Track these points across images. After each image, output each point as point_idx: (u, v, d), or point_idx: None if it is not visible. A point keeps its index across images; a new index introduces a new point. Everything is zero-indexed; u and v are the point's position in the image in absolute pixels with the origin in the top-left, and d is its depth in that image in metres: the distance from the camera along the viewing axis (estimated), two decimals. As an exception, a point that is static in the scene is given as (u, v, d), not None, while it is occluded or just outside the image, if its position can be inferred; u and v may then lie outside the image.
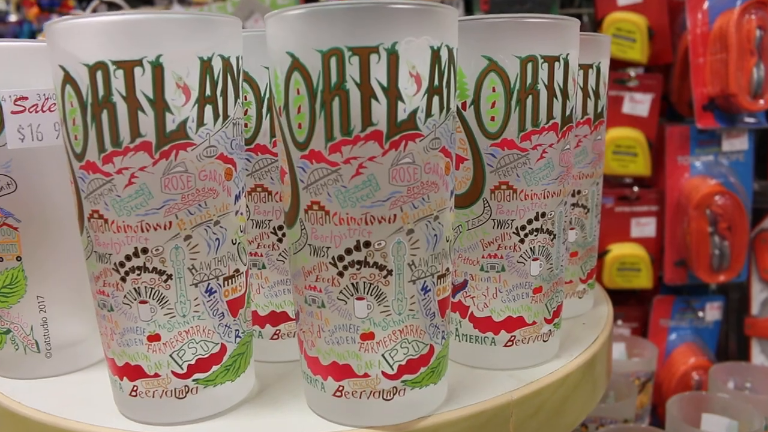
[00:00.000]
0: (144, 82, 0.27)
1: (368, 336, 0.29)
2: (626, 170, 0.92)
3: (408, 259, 0.28)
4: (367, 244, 0.28)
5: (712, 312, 0.95)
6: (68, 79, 0.27)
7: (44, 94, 0.34)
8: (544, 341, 0.36)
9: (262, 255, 0.36)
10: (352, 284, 0.28)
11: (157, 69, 0.27)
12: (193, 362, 0.30)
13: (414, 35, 0.27)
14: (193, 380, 0.31)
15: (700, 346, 0.95)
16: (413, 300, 0.29)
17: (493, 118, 0.33)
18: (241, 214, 0.32)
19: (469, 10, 1.05)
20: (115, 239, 0.29)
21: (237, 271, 0.31)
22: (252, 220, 0.36)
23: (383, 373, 0.29)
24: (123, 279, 0.29)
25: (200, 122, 0.28)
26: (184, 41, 0.27)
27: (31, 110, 0.34)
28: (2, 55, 0.33)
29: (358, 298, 0.29)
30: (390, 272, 0.28)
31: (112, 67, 0.27)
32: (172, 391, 0.30)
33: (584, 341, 0.40)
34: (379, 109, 0.27)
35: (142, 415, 0.31)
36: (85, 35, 0.27)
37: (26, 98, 0.33)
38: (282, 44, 0.27)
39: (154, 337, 0.30)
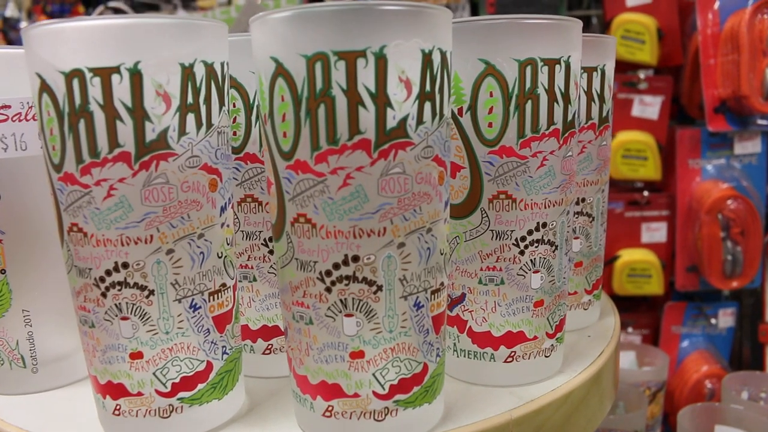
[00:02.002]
0: (122, 90, 0.26)
1: (358, 354, 0.28)
2: (636, 174, 0.90)
3: (399, 273, 0.27)
4: (356, 259, 0.27)
5: (725, 318, 0.93)
6: (45, 87, 0.26)
7: (28, 103, 0.33)
8: (546, 356, 0.35)
9: (252, 267, 0.35)
10: (341, 300, 0.27)
11: (136, 76, 0.26)
12: (177, 380, 0.29)
13: (403, 38, 0.25)
14: (178, 399, 0.29)
15: (713, 353, 0.93)
16: (405, 317, 0.28)
17: (490, 125, 0.31)
18: (228, 226, 0.30)
19: (475, 13, 1.04)
20: (94, 253, 0.27)
21: (223, 285, 0.30)
22: (242, 231, 0.35)
23: (374, 393, 0.28)
24: (104, 294, 0.28)
25: (182, 131, 0.27)
26: (164, 47, 0.26)
27: (14, 119, 0.33)
28: (-17, 63, 0.32)
29: (346, 315, 0.27)
30: (380, 288, 0.27)
31: (88, 75, 0.25)
32: (155, 410, 0.29)
33: (589, 355, 0.38)
34: (367, 117, 0.25)
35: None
36: (60, 41, 0.26)
37: (9, 107, 0.32)
38: (266, 49, 0.26)
39: (137, 355, 0.28)
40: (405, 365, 0.28)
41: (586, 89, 0.39)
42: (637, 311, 0.99)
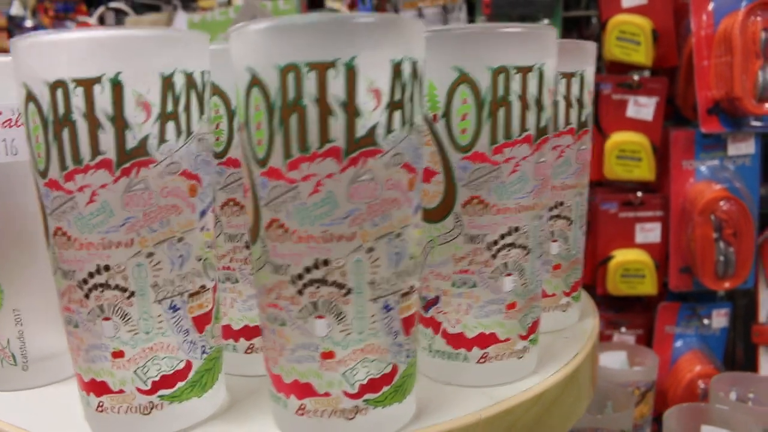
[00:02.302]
0: (103, 100, 0.27)
1: (328, 355, 0.29)
2: (630, 175, 0.91)
3: (368, 277, 0.28)
4: (326, 263, 0.28)
5: (719, 319, 0.93)
6: (30, 96, 0.27)
7: (18, 109, 0.34)
8: (519, 358, 0.36)
9: (235, 269, 0.36)
10: (312, 303, 0.28)
11: (117, 86, 0.27)
12: (157, 378, 0.30)
13: (373, 49, 0.26)
14: (158, 396, 0.30)
15: (707, 353, 0.94)
16: (374, 319, 0.29)
17: (464, 131, 0.32)
18: (208, 230, 0.31)
19: (471, 14, 1.05)
20: (78, 256, 0.29)
21: (203, 287, 0.31)
22: (225, 233, 0.36)
23: (344, 392, 0.29)
24: (87, 296, 0.29)
25: (162, 139, 0.28)
26: (145, 58, 0.27)
27: (4, 125, 0.34)
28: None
29: (317, 317, 0.28)
30: (350, 291, 0.28)
31: (71, 85, 0.27)
32: (137, 407, 0.30)
33: (564, 356, 0.39)
34: (337, 126, 0.26)
35: (109, 430, 0.31)
36: (45, 53, 0.27)
37: (0, 113, 0.34)
38: (242, 60, 0.27)
39: (118, 354, 0.30)
40: (374, 366, 0.29)
41: (564, 94, 0.40)
42: (631, 311, 0.99)
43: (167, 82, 0.28)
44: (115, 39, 0.27)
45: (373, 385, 0.29)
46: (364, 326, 0.29)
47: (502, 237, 0.34)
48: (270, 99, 0.27)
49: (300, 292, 0.28)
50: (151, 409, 0.30)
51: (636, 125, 0.89)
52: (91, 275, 0.29)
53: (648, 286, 0.93)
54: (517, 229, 0.34)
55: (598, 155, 0.92)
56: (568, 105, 0.40)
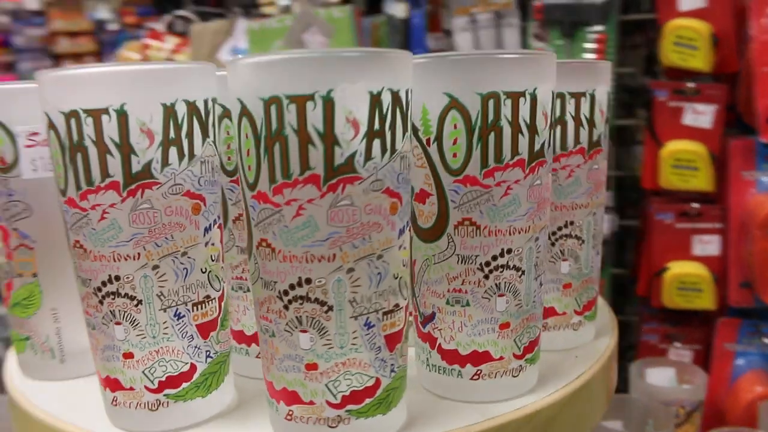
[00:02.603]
0: (111, 128, 0.30)
1: (312, 366, 0.30)
2: (687, 185, 0.88)
3: (349, 296, 0.30)
4: (309, 281, 0.29)
5: (784, 338, 0.88)
6: (51, 124, 0.31)
7: (56, 129, 0.38)
8: (514, 376, 0.36)
9: (246, 279, 0.39)
10: (296, 317, 0.30)
11: (122, 116, 0.30)
12: (163, 379, 0.33)
13: (350, 82, 0.28)
14: (164, 395, 0.33)
15: (769, 374, 0.89)
16: (356, 335, 0.30)
17: (455, 155, 0.33)
18: (213, 244, 0.34)
19: (524, 19, 1.03)
20: (93, 267, 0.32)
21: (207, 297, 0.34)
22: (237, 246, 0.38)
23: (327, 402, 0.31)
24: (101, 302, 0.32)
25: (165, 163, 0.31)
26: (148, 90, 0.30)
27: (42, 144, 0.38)
28: (17, 96, 0.37)
29: (301, 331, 0.30)
30: (331, 308, 0.30)
31: (83, 115, 0.30)
32: (145, 403, 0.33)
33: (568, 376, 0.39)
34: (316, 154, 0.28)
35: (121, 422, 0.34)
36: (61, 86, 0.30)
37: (38, 133, 0.37)
38: (234, 91, 0.29)
39: (128, 355, 0.33)
40: (356, 378, 0.31)
41: (573, 114, 0.40)
42: (689, 325, 0.95)
43: (169, 111, 0.31)
44: (120, 73, 0.30)
45: (355, 397, 0.31)
46: (346, 341, 0.30)
47: (494, 258, 0.34)
48: (257, 128, 0.29)
49: (286, 307, 0.30)
50: (158, 406, 0.33)
51: (693, 133, 0.86)
52: (104, 284, 0.32)
53: (706, 301, 0.89)
54: (509, 251, 0.34)
55: (653, 164, 0.89)
56: (578, 125, 0.40)
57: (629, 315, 1.14)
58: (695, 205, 0.88)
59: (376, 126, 0.29)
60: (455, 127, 0.33)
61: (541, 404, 0.36)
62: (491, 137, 0.33)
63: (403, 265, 0.32)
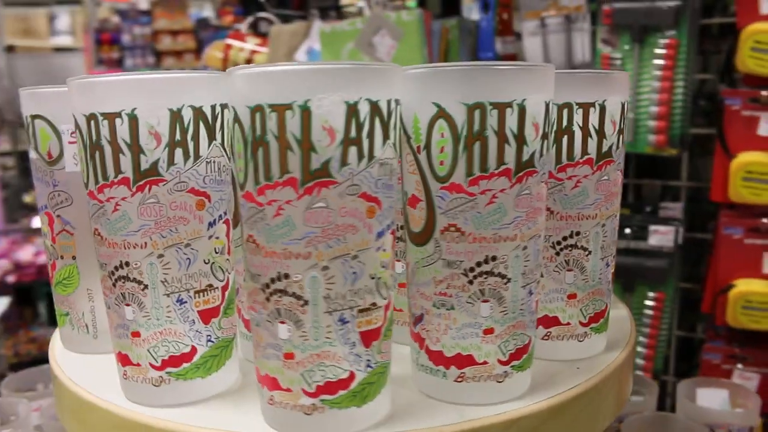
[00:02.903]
0: (123, 130, 0.33)
1: (289, 356, 0.33)
2: (759, 199, 0.83)
3: (323, 292, 0.32)
4: (287, 276, 0.32)
5: None
6: (76, 125, 0.35)
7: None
8: (499, 382, 0.37)
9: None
10: (276, 309, 0.32)
11: (133, 120, 0.33)
12: (166, 358, 0.36)
13: (325, 93, 0.30)
14: (167, 372, 0.37)
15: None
16: (330, 329, 0.32)
17: (442, 162, 0.34)
18: (218, 238, 0.37)
19: (595, 23, 1.01)
20: (107, 253, 0.36)
21: (210, 286, 0.37)
22: (248, 240, 0.41)
23: (303, 390, 0.33)
24: (114, 285, 0.36)
25: (170, 162, 0.34)
26: (155, 96, 0.33)
27: (84, 141, 0.42)
28: (63, 97, 0.42)
29: (280, 322, 0.32)
30: (306, 302, 0.32)
31: (100, 118, 0.33)
32: (149, 379, 0.37)
33: (562, 386, 0.39)
34: (294, 159, 0.30)
35: (131, 395, 0.38)
36: (83, 92, 0.34)
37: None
38: (230, 99, 0.32)
39: (136, 334, 0.36)
40: (330, 370, 0.33)
41: (581, 125, 0.40)
42: (756, 347, 0.90)
43: (176, 116, 0.34)
44: (131, 81, 0.33)
45: (329, 388, 0.33)
46: (320, 335, 0.32)
47: (479, 264, 0.35)
48: (245, 133, 0.31)
49: (268, 299, 0.32)
50: (161, 382, 0.37)
51: None
52: (116, 268, 0.36)
53: (773, 323, 0.84)
54: (494, 258, 0.35)
55: (723, 176, 0.85)
56: (586, 135, 0.40)
57: (701, 333, 1.09)
58: (766, 220, 0.82)
59: (352, 134, 0.30)
60: (442, 135, 0.34)
61: (525, 412, 0.37)
62: (476, 146, 0.34)
63: (383, 267, 0.33)
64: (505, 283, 0.36)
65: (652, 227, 0.94)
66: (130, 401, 0.38)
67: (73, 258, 0.44)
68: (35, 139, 0.42)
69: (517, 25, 1.22)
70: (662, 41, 0.91)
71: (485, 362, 0.36)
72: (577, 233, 0.42)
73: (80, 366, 0.44)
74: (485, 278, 0.35)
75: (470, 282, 0.35)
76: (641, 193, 1.11)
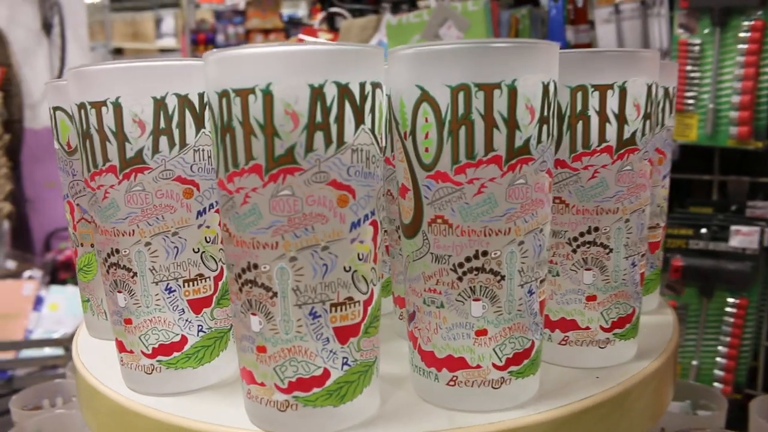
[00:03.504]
0: (108, 118, 0.34)
1: (262, 349, 0.32)
2: None
3: (292, 284, 0.30)
4: (256, 266, 0.31)
5: None
6: (70, 115, 0.35)
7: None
8: (495, 388, 0.34)
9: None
10: (248, 300, 0.31)
11: (117, 108, 0.33)
12: (156, 346, 0.37)
13: (289, 75, 0.28)
14: (158, 361, 0.37)
15: None
16: (300, 323, 0.31)
17: (427, 149, 0.32)
18: (209, 227, 0.37)
19: (672, 8, 0.93)
20: (100, 240, 0.36)
21: (200, 275, 0.37)
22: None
23: (276, 385, 0.32)
24: (107, 272, 0.36)
25: (155, 150, 0.34)
26: (138, 84, 0.33)
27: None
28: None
29: (252, 314, 0.31)
30: (275, 294, 0.31)
31: (88, 107, 0.34)
32: (142, 366, 0.37)
33: (572, 396, 0.36)
34: (258, 145, 0.29)
35: (127, 381, 0.38)
36: (75, 81, 0.34)
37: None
38: (205, 85, 0.31)
39: (128, 321, 0.37)
40: (302, 366, 0.31)
41: (598, 109, 0.36)
42: None
43: (159, 104, 0.34)
44: (115, 70, 0.33)
45: (302, 384, 0.32)
46: (290, 328, 0.31)
47: (468, 260, 0.32)
48: (215, 119, 0.30)
49: (240, 290, 0.32)
50: (153, 370, 0.37)
51: None
52: (109, 255, 0.36)
53: None
54: (485, 254, 0.32)
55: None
56: (603, 120, 0.36)
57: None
58: None
59: (318, 118, 0.29)
60: (426, 120, 0.32)
61: (525, 422, 0.34)
62: (462, 131, 0.31)
63: (361, 259, 0.32)
64: (499, 281, 0.33)
65: (734, 227, 0.85)
66: (129, 388, 0.38)
67: (92, 246, 0.45)
68: (57, 130, 0.44)
69: (592, 13, 1.15)
70: (746, 24, 0.83)
71: (478, 366, 0.34)
72: (596, 229, 0.38)
73: (96, 352, 0.45)
74: (475, 275, 0.33)
75: (459, 279, 0.33)
76: (726, 191, 1.02)
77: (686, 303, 0.87)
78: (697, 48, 0.88)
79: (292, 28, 3.32)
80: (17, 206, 2.44)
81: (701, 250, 0.87)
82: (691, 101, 0.89)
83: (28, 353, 1.73)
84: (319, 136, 0.29)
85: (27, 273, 2.19)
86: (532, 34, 1.20)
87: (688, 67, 0.88)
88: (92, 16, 3.13)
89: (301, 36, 1.44)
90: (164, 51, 4.12)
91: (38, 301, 2.07)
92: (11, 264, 2.38)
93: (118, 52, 3.66)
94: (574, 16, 1.15)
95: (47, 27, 2.56)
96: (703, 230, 0.87)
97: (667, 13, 0.95)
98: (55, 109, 0.44)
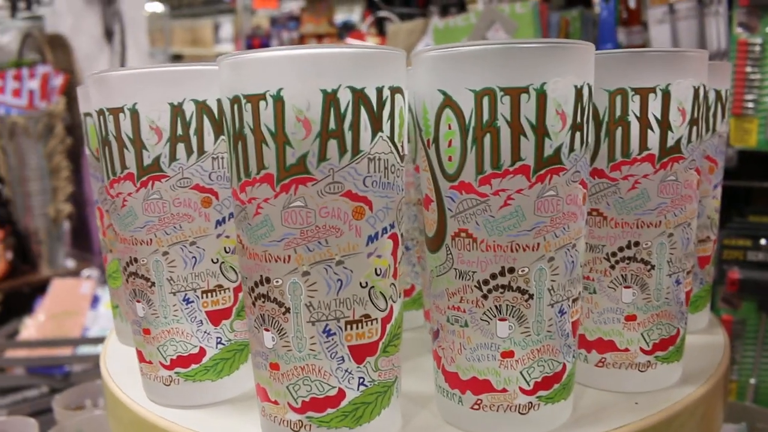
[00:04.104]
0: (126, 125, 0.33)
1: (275, 366, 0.30)
2: None
3: (305, 300, 0.29)
4: (268, 280, 0.29)
5: None
6: (94, 120, 0.35)
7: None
8: (522, 413, 0.32)
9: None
10: (261, 315, 0.30)
11: (134, 114, 0.33)
12: (174, 357, 0.36)
13: (299, 81, 0.27)
14: (175, 372, 0.36)
15: None
16: (314, 341, 0.29)
17: (450, 158, 0.30)
18: (228, 237, 0.36)
19: (731, 6, 0.88)
20: (120, 248, 0.36)
21: (219, 286, 0.36)
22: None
23: (289, 404, 0.30)
24: (127, 281, 0.36)
25: (172, 157, 0.33)
26: (156, 90, 0.33)
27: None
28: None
29: (265, 329, 0.30)
30: (288, 310, 0.29)
31: (107, 113, 0.33)
32: (160, 377, 0.36)
33: (608, 423, 0.33)
34: (270, 154, 0.28)
35: (147, 391, 0.38)
36: (94, 87, 0.34)
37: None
38: (219, 91, 0.30)
39: (146, 331, 0.36)
40: (316, 386, 0.30)
41: (638, 114, 0.33)
42: None
43: (176, 110, 0.33)
44: (131, 76, 0.32)
45: (316, 404, 0.30)
46: (303, 346, 0.29)
47: (494, 277, 0.30)
48: (227, 126, 0.29)
49: (253, 304, 0.30)
50: (171, 382, 0.36)
51: None
52: (128, 264, 0.35)
53: None
54: (512, 270, 0.30)
55: None
56: (645, 126, 0.33)
57: None
58: None
59: (332, 126, 0.27)
60: (449, 127, 0.30)
61: (553, 451, 0.31)
62: (487, 139, 0.29)
63: (378, 274, 0.30)
64: (527, 300, 0.30)
65: (798, 239, 0.79)
66: (149, 399, 0.38)
67: (118, 253, 0.45)
68: (87, 136, 0.44)
69: (646, 13, 1.10)
70: (815, 20, 0.77)
71: (504, 390, 0.32)
72: (636, 243, 0.35)
73: (123, 359, 0.45)
74: (501, 293, 0.30)
75: (484, 296, 0.31)
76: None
77: (744, 318, 0.82)
78: (757, 48, 0.82)
79: (345, 32, 3.33)
80: (77, 207, 2.53)
81: (760, 262, 0.82)
82: (750, 104, 0.83)
83: (84, 350, 1.79)
84: (332, 145, 0.28)
85: (85, 272, 2.27)
86: (582, 36, 1.16)
87: (748, 69, 0.83)
88: (153, 23, 3.22)
89: (349, 40, 1.44)
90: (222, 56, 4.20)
91: (95, 300, 2.14)
92: (71, 263, 2.46)
93: (177, 58, 3.75)
94: (626, 17, 1.10)
95: (109, 34, 2.64)
96: (763, 241, 0.81)
97: (725, 11, 0.90)
98: (86, 115, 0.44)
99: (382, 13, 1.42)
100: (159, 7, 3.67)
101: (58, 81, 1.95)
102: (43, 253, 2.10)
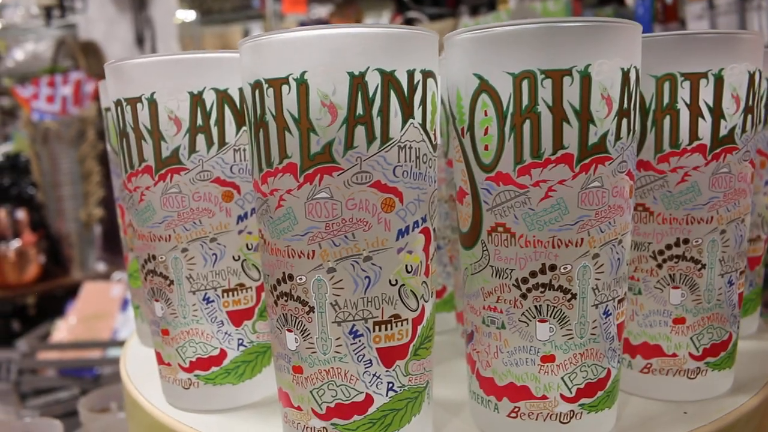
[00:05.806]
0: (144, 116, 0.32)
1: (298, 369, 0.29)
2: None
3: (330, 298, 0.27)
4: (291, 278, 0.28)
5: None
6: (108, 112, 0.34)
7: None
8: (563, 422, 0.29)
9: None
10: (283, 315, 0.28)
11: (152, 104, 0.31)
12: (194, 359, 0.34)
13: (324, 64, 0.25)
14: (195, 375, 0.34)
15: None
16: (339, 342, 0.27)
17: (486, 147, 0.28)
18: (251, 233, 0.34)
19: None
20: (138, 245, 0.34)
21: (241, 285, 0.34)
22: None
23: (312, 410, 0.28)
24: (145, 278, 0.35)
25: (192, 149, 0.32)
26: (175, 79, 0.31)
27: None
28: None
29: (288, 330, 0.28)
30: (312, 309, 0.27)
31: (124, 103, 0.32)
32: (179, 380, 0.35)
33: (657, 436, 0.31)
34: (293, 142, 0.26)
35: (165, 394, 0.36)
36: (112, 78, 0.33)
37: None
38: (240, 77, 0.29)
39: (165, 332, 0.35)
40: (341, 391, 0.28)
41: (689, 101, 0.31)
42: None
43: (196, 99, 0.31)
44: (149, 64, 0.31)
45: (341, 410, 0.28)
46: (328, 348, 0.28)
47: (534, 275, 0.28)
48: (248, 114, 0.28)
49: (275, 303, 0.29)
50: (190, 385, 0.35)
51: None
52: (146, 261, 0.34)
53: None
54: (553, 268, 0.28)
55: None
56: (695, 114, 0.31)
57: None
58: None
59: (359, 111, 0.26)
60: (485, 114, 0.28)
61: (598, 465, 0.29)
62: (526, 126, 0.27)
63: (409, 272, 0.28)
64: (569, 300, 0.28)
65: None
66: (168, 403, 0.36)
67: (140, 251, 0.44)
68: (108, 131, 0.43)
69: (683, 10, 1.07)
70: None
71: (544, 397, 0.29)
72: (686, 241, 0.32)
73: (144, 361, 0.43)
74: (542, 292, 0.28)
75: (523, 296, 0.28)
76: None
77: (792, 326, 0.78)
78: (805, 41, 0.79)
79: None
80: (108, 211, 2.56)
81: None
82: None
83: (114, 352, 1.80)
84: (360, 131, 0.26)
85: (116, 275, 2.29)
86: (615, 32, 1.13)
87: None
88: (183, 30, 3.26)
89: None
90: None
91: (125, 303, 2.16)
92: (102, 266, 2.49)
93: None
94: (662, 14, 1.07)
95: (140, 41, 2.67)
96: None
97: (769, 4, 0.86)
98: (107, 110, 0.43)
99: (412, 14, 1.40)
100: (190, 15, 3.71)
101: (90, 87, 1.97)
102: (75, 257, 2.12)
